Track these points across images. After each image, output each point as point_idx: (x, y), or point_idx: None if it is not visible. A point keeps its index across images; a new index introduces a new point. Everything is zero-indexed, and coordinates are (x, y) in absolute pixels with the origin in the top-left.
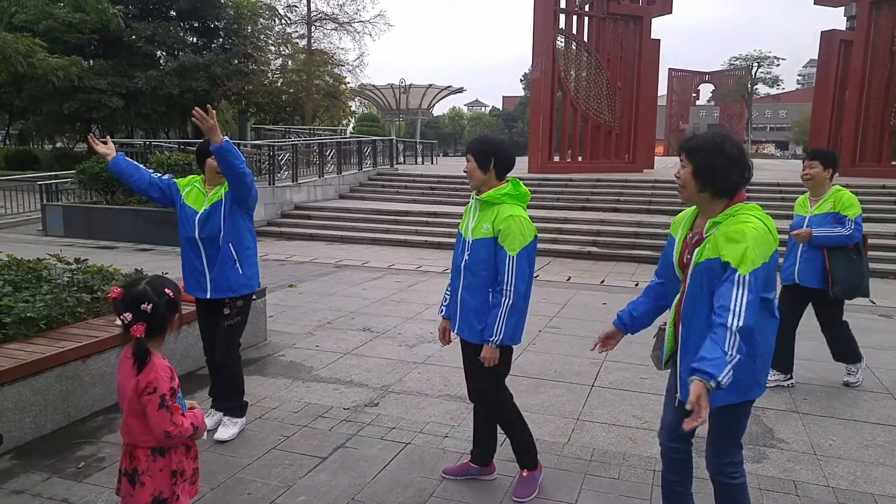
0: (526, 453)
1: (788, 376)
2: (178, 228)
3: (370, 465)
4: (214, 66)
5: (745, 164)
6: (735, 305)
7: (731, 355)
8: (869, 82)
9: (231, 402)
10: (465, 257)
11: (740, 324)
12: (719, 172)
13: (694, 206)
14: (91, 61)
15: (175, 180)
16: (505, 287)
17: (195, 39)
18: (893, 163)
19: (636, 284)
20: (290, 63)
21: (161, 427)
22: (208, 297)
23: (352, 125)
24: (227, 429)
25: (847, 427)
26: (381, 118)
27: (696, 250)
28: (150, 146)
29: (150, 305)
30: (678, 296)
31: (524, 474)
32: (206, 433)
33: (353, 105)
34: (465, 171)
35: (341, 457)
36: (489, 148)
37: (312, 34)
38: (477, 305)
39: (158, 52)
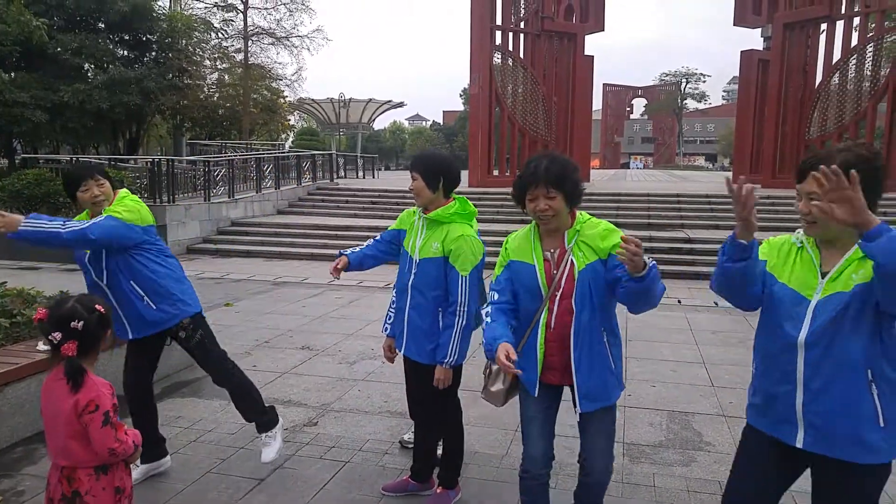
0: (453, 471)
1: None
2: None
3: (309, 485)
4: (147, 80)
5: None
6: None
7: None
8: (785, 98)
9: (253, 411)
10: (412, 276)
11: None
12: (579, 190)
13: (525, 230)
14: (13, 74)
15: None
16: (459, 308)
17: (126, 52)
18: None
19: None
20: (226, 77)
21: (105, 445)
22: (130, 337)
23: (291, 139)
24: (269, 448)
25: None
26: (321, 132)
27: (566, 261)
28: (78, 162)
29: (81, 323)
30: (544, 315)
31: (439, 491)
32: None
33: (293, 119)
34: (410, 189)
35: (280, 478)
36: (439, 166)
37: (249, 48)
38: (426, 326)
39: (86, 65)
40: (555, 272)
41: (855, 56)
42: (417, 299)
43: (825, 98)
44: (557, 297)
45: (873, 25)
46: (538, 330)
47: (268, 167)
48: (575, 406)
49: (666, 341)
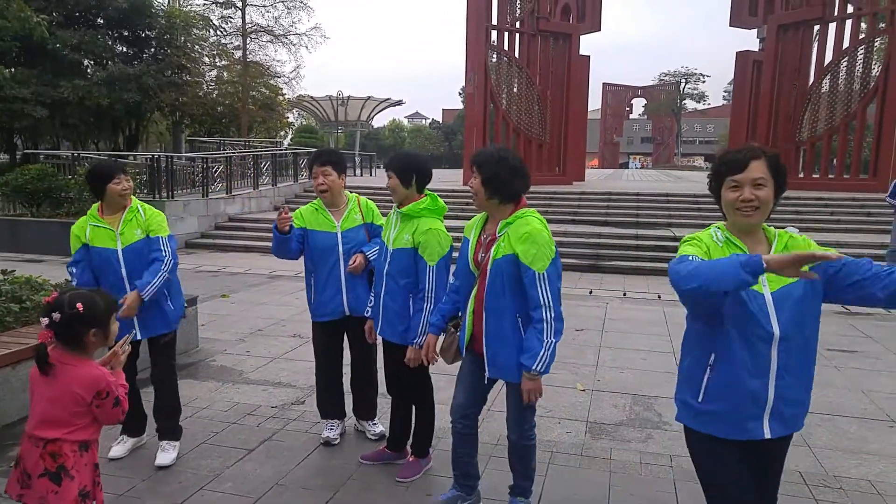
0: (424, 441)
1: None
2: (98, 276)
3: (294, 454)
4: (146, 76)
5: (526, 174)
6: (543, 298)
7: (549, 342)
8: (777, 99)
9: (171, 420)
10: (387, 265)
11: (552, 313)
12: (504, 182)
13: (484, 213)
14: (13, 69)
15: (75, 241)
16: (427, 294)
17: (125, 49)
18: (801, 176)
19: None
20: (225, 74)
21: (114, 417)
22: (139, 338)
23: (289, 137)
24: (168, 453)
25: None
26: (320, 130)
27: (493, 248)
28: (79, 158)
29: (58, 315)
30: (475, 290)
31: (411, 459)
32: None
33: (291, 117)
34: (388, 187)
35: (267, 448)
36: (412, 165)
37: (248, 46)
38: (398, 308)
39: (85, 62)
40: (483, 254)
41: (846, 58)
42: (391, 285)
43: (816, 99)
44: (485, 277)
45: (865, 27)
46: (469, 303)
47: (265, 164)
48: (466, 366)
49: (641, 332)
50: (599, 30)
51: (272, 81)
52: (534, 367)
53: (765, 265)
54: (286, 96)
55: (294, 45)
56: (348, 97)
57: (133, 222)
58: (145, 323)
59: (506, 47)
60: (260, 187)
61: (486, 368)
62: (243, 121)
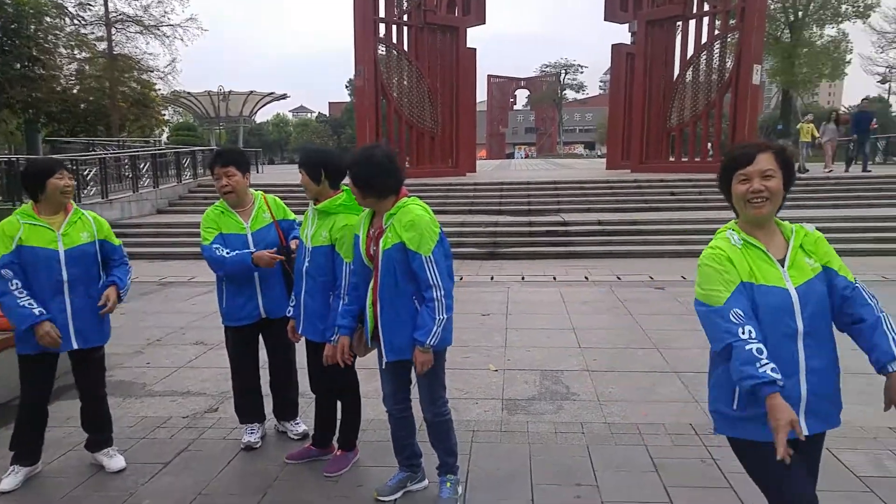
0: (352, 434)
1: None
2: (29, 277)
3: (215, 462)
4: None
5: (395, 169)
6: (432, 279)
7: (441, 318)
8: (649, 90)
9: (101, 430)
10: (306, 263)
11: (442, 291)
12: (374, 179)
13: (370, 209)
14: None
15: (5, 239)
16: (342, 291)
17: None
18: (671, 159)
19: (460, 278)
20: (87, 68)
21: None
22: (74, 347)
23: (166, 135)
24: (118, 458)
25: (622, 377)
26: (200, 126)
27: (381, 241)
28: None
29: None
30: (372, 281)
31: (338, 453)
32: None
33: (167, 114)
34: (301, 184)
35: (184, 460)
36: (318, 159)
37: (113, 37)
38: (318, 308)
39: None
40: (374, 248)
41: (705, 52)
42: (311, 284)
43: (682, 90)
44: (378, 268)
45: (719, 24)
46: (368, 294)
47: (144, 165)
48: (382, 357)
49: (542, 313)
50: (484, 22)
51: (144, 76)
52: (427, 342)
53: (767, 402)
54: (161, 92)
55: (168, 37)
56: (229, 92)
57: (79, 224)
58: (82, 332)
59: (394, 40)
60: (140, 190)
61: (385, 354)
62: (114, 118)
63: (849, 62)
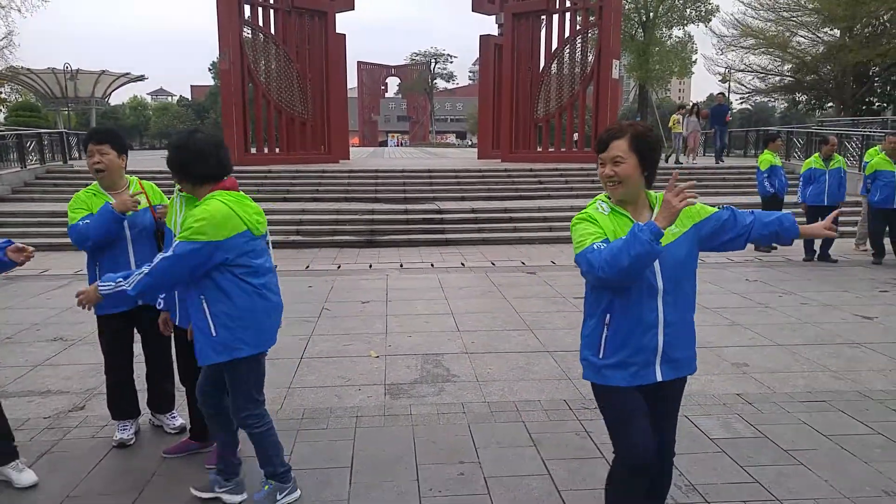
0: (203, 426)
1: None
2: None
3: (83, 463)
4: None
5: (216, 156)
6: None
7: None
8: (517, 81)
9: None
10: None
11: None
12: (188, 165)
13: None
14: None
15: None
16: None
17: None
18: (539, 150)
19: (338, 267)
20: None
21: None
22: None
23: (3, 115)
24: (27, 472)
25: (499, 358)
26: (44, 107)
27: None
28: None
29: None
30: None
31: (184, 440)
32: None
33: (3, 91)
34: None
35: (49, 462)
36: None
37: None
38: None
39: None
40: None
41: (568, 46)
42: None
43: (547, 82)
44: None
45: (580, 19)
46: None
47: None
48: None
49: (421, 299)
50: (353, 8)
51: None
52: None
53: (662, 229)
54: None
55: (2, 7)
56: (77, 70)
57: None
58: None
59: (261, 23)
60: None
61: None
62: None
63: (695, 62)
